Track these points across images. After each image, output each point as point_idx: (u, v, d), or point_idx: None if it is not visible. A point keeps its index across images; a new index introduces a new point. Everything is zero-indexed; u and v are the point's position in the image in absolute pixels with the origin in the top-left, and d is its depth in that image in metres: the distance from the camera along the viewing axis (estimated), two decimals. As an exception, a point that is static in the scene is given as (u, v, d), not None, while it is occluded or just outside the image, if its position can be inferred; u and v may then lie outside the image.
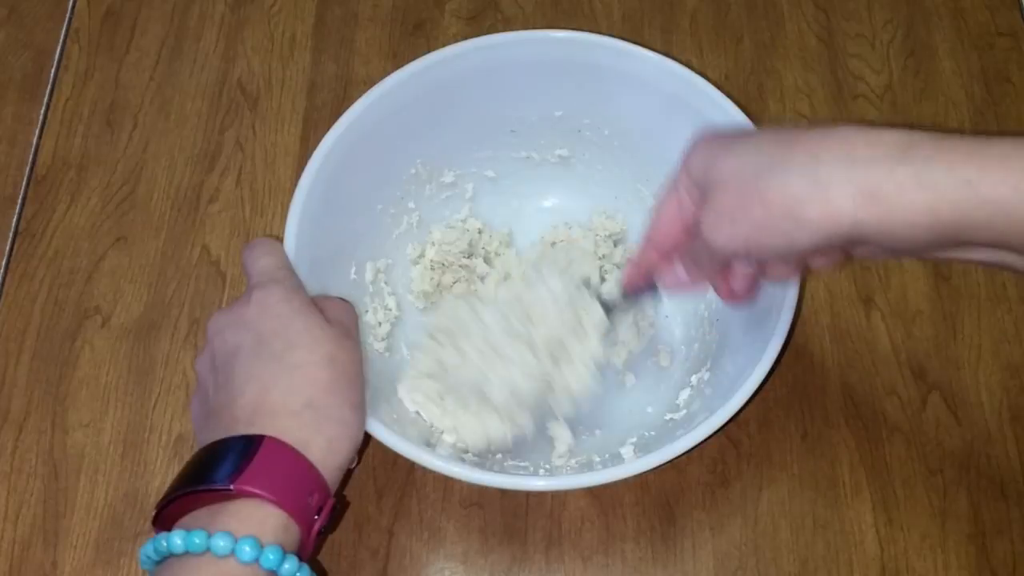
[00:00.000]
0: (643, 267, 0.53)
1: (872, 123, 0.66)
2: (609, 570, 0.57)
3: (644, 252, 0.52)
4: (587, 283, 0.58)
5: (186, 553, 0.42)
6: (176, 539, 0.42)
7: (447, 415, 0.56)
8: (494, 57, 0.60)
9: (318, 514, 0.45)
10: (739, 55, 0.73)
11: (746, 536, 0.57)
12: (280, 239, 0.54)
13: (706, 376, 0.58)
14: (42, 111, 0.71)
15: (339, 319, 0.51)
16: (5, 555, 0.57)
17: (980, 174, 0.37)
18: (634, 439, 0.57)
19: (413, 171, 0.63)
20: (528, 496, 0.59)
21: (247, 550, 0.41)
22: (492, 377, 0.54)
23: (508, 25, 0.75)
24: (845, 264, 0.65)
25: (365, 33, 0.74)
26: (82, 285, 0.65)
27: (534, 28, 0.73)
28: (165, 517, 0.44)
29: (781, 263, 0.47)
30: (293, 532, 0.44)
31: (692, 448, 0.49)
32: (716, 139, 0.46)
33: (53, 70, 0.73)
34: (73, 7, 0.75)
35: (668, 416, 0.58)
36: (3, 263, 0.66)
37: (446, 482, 0.59)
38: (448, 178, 0.65)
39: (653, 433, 0.57)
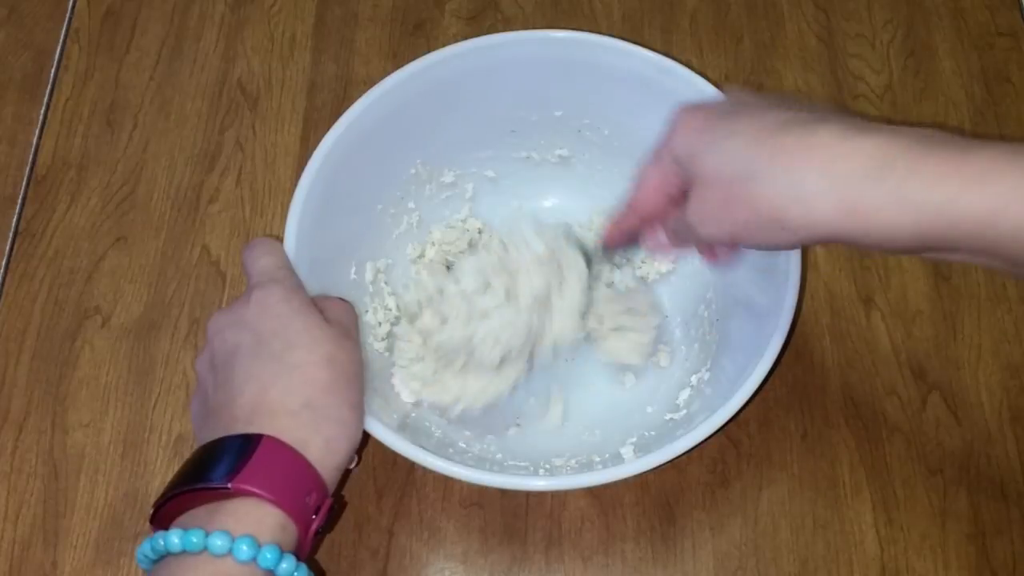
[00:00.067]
0: (624, 229, 0.53)
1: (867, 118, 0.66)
2: (609, 570, 0.57)
3: (625, 217, 0.52)
4: (568, 233, 0.58)
5: (183, 552, 0.42)
6: (173, 538, 0.42)
7: (446, 389, 0.56)
8: (494, 57, 0.60)
9: (316, 514, 0.45)
10: (739, 55, 0.73)
11: (746, 536, 0.57)
12: (280, 239, 0.54)
13: (706, 376, 0.58)
14: (42, 111, 0.71)
15: (339, 319, 0.51)
16: (5, 555, 0.57)
17: (960, 190, 0.37)
18: (634, 439, 0.57)
19: (413, 171, 0.63)
20: (528, 496, 0.59)
21: (244, 549, 0.41)
22: (477, 334, 0.55)
23: (508, 25, 0.75)
24: (845, 264, 0.65)
25: (365, 33, 0.74)
26: (82, 285, 0.65)
27: (534, 28, 0.73)
28: (163, 516, 0.44)
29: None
30: (291, 531, 0.44)
31: (692, 448, 0.49)
32: (699, 120, 0.45)
33: (53, 70, 0.73)
34: (73, 7, 0.76)
35: (668, 416, 0.58)
36: (3, 263, 0.66)
37: (446, 482, 0.59)
38: (448, 178, 0.65)
39: (653, 433, 0.57)
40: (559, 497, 0.58)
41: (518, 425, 0.60)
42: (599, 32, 0.61)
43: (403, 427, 0.54)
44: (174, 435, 0.60)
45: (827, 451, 0.60)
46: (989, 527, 0.57)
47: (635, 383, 0.61)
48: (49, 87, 0.72)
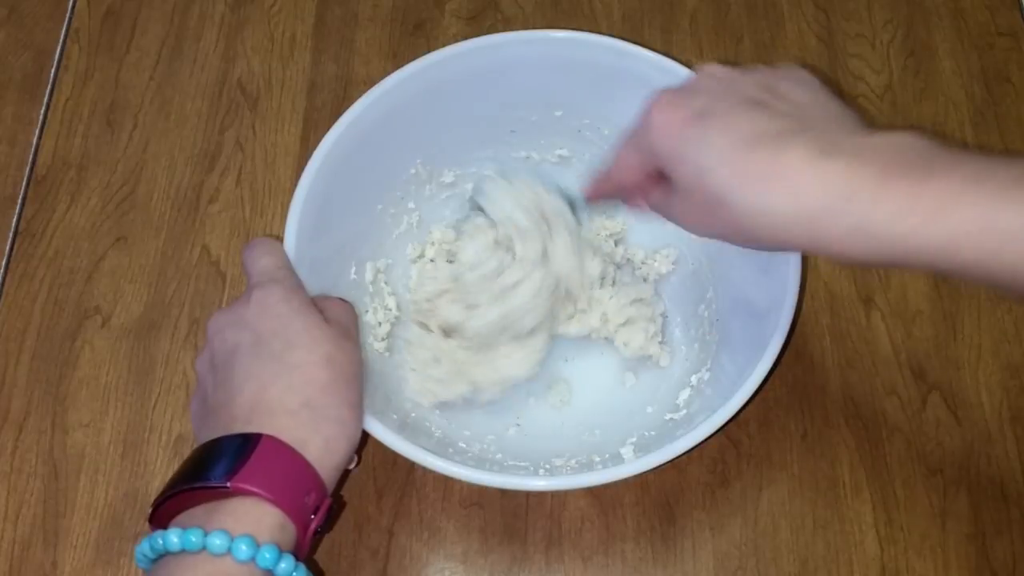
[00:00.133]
0: (602, 192, 0.53)
1: (869, 121, 0.66)
2: (609, 570, 0.57)
3: (604, 182, 0.52)
4: (547, 184, 0.59)
5: (182, 551, 0.42)
6: (172, 537, 0.42)
7: (465, 381, 0.58)
8: (494, 57, 0.60)
9: (315, 513, 0.45)
10: (739, 55, 0.73)
11: (746, 536, 0.57)
12: (280, 239, 0.54)
13: (706, 376, 0.58)
14: (42, 111, 0.71)
15: (339, 319, 0.51)
16: (5, 555, 0.57)
17: (918, 223, 0.37)
18: (634, 439, 0.57)
19: (413, 171, 0.63)
20: (528, 496, 0.59)
21: (243, 549, 0.41)
22: (512, 310, 0.56)
23: (508, 25, 0.75)
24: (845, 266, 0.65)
25: (365, 33, 0.74)
26: (82, 285, 0.65)
27: (534, 28, 0.73)
28: (161, 515, 0.44)
29: None
30: (289, 531, 0.44)
31: (692, 448, 0.49)
32: (676, 120, 0.43)
33: (53, 70, 0.73)
34: (73, 7, 0.76)
35: (668, 416, 0.58)
36: (3, 263, 0.66)
37: (446, 482, 0.59)
38: (448, 178, 0.65)
39: (653, 433, 0.57)
40: (559, 497, 0.58)
41: (518, 425, 0.60)
42: (599, 32, 0.61)
43: (403, 427, 0.54)
44: (174, 435, 0.61)
45: (827, 451, 0.59)
46: (989, 527, 0.57)
47: (635, 383, 0.61)
48: (49, 87, 0.72)
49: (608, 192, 0.52)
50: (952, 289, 0.64)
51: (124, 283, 0.65)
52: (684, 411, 0.57)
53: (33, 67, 0.73)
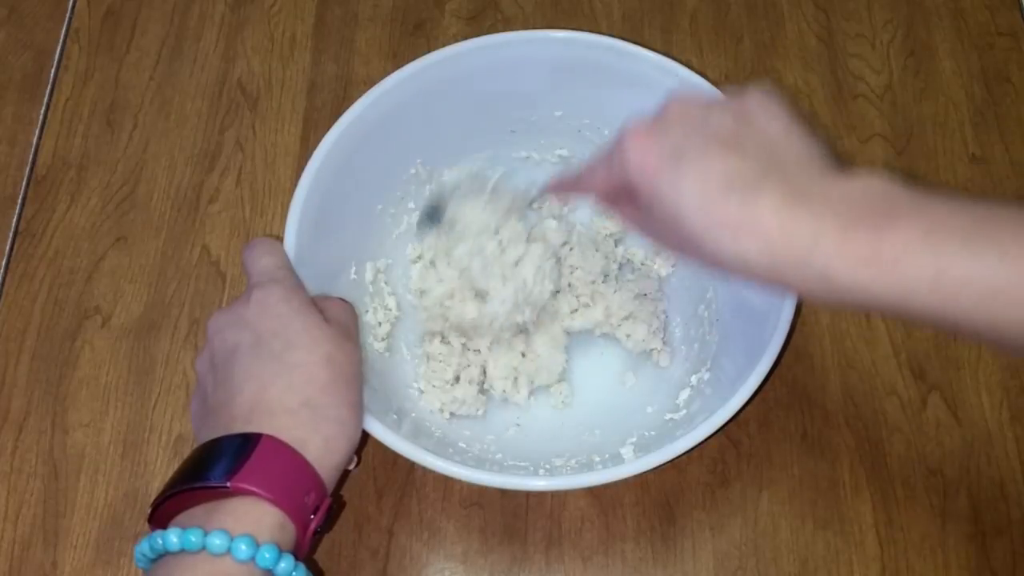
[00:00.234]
0: (567, 190, 0.54)
1: (869, 121, 0.66)
2: (609, 570, 0.57)
3: (571, 185, 0.52)
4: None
5: (182, 551, 0.42)
6: (172, 537, 0.42)
7: (482, 401, 0.60)
8: (494, 57, 0.60)
9: (315, 513, 0.45)
10: (739, 55, 0.73)
11: (746, 536, 0.57)
12: (280, 239, 0.54)
13: (706, 376, 0.58)
14: (42, 111, 0.71)
15: (339, 319, 0.51)
16: (5, 555, 0.57)
17: (875, 277, 0.38)
18: (634, 439, 0.57)
19: (413, 171, 0.63)
20: (528, 496, 0.59)
21: (243, 548, 0.41)
22: (525, 282, 0.58)
23: (508, 25, 0.75)
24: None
25: (365, 33, 0.74)
26: (82, 285, 0.65)
27: (534, 28, 0.73)
28: (161, 515, 0.44)
29: None
30: (289, 531, 0.44)
31: (692, 448, 0.49)
32: (651, 155, 0.44)
33: (53, 70, 0.73)
34: (73, 7, 0.76)
35: (668, 416, 0.58)
36: (3, 263, 0.66)
37: (446, 482, 0.59)
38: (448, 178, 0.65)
39: (653, 433, 0.57)
40: (559, 497, 0.58)
41: (518, 425, 0.60)
42: (599, 32, 0.61)
43: (403, 427, 0.54)
44: (174, 435, 0.60)
45: (827, 451, 0.59)
46: (989, 527, 0.57)
47: (635, 383, 0.61)
48: (49, 87, 0.72)
49: (571, 191, 0.53)
50: (952, 289, 0.64)
51: (124, 283, 0.65)
52: (684, 411, 0.57)
53: (33, 67, 0.73)
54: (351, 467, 0.49)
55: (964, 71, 0.72)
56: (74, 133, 0.70)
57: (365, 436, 0.49)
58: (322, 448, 0.45)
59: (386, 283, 0.63)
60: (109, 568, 0.57)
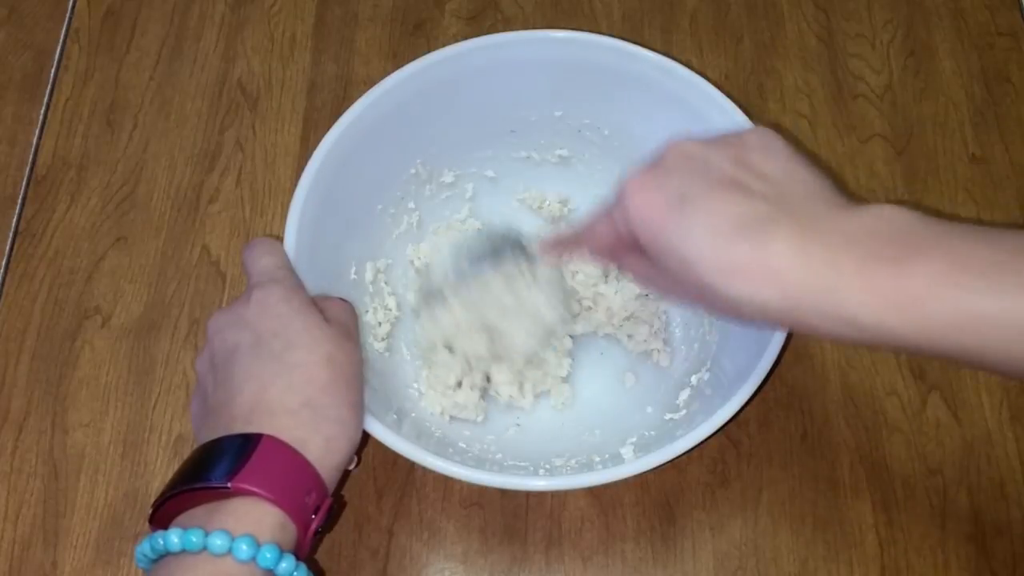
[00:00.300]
0: (563, 251, 0.54)
1: (869, 121, 0.66)
2: (609, 570, 0.57)
3: (568, 245, 0.53)
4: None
5: (183, 551, 0.42)
6: (173, 537, 0.42)
7: (482, 409, 0.59)
8: (494, 57, 0.60)
9: (315, 513, 0.45)
10: (739, 55, 0.73)
11: (746, 536, 0.57)
12: (280, 239, 0.54)
13: (706, 376, 0.58)
14: (42, 111, 0.71)
15: (339, 319, 0.51)
16: (5, 555, 0.57)
17: (903, 314, 0.38)
18: (634, 439, 0.57)
19: (413, 171, 0.63)
20: (528, 496, 0.59)
21: (244, 548, 0.41)
22: (528, 303, 0.57)
23: (508, 25, 0.75)
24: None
25: (365, 33, 0.74)
26: (82, 285, 0.65)
27: (534, 28, 0.73)
28: (162, 515, 0.44)
29: None
30: (290, 531, 0.44)
31: (692, 448, 0.49)
32: (656, 203, 0.43)
33: (53, 70, 0.73)
34: (73, 7, 0.76)
35: (668, 416, 0.58)
36: (3, 263, 0.66)
37: (446, 482, 0.59)
38: (448, 178, 0.65)
39: (653, 433, 0.57)
40: (559, 497, 0.58)
41: (518, 425, 0.60)
42: (599, 32, 0.61)
43: (403, 427, 0.54)
44: (174, 435, 0.60)
45: (827, 451, 0.59)
46: (989, 527, 0.57)
47: (635, 383, 0.61)
48: (49, 87, 0.72)
49: (569, 251, 0.53)
50: (952, 289, 0.64)
51: (124, 283, 0.65)
52: (684, 411, 0.57)
53: (33, 67, 0.73)
54: (351, 467, 0.49)
55: (964, 71, 0.72)
56: (74, 133, 0.70)
57: (365, 436, 0.49)
58: (323, 448, 0.45)
59: (386, 283, 0.63)
60: (109, 568, 0.57)
